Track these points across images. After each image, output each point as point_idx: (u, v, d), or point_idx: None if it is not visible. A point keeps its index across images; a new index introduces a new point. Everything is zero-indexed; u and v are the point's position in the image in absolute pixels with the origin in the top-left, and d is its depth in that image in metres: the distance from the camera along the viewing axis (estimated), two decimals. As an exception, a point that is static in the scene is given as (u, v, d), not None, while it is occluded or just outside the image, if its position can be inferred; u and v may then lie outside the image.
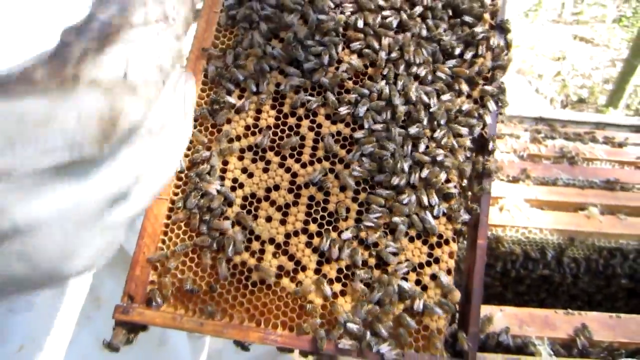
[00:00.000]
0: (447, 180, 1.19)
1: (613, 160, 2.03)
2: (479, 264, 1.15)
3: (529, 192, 1.80)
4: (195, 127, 1.24)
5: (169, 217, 1.19)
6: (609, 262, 1.70)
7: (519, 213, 1.69)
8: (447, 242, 1.18)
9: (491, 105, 1.24)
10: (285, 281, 1.14)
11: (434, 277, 1.15)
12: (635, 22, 7.35)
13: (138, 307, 1.13)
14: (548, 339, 1.34)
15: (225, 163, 1.21)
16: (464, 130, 1.22)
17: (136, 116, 0.59)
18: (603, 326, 1.40)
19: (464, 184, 1.23)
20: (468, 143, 1.23)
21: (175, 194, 1.20)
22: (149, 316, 1.12)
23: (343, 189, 1.19)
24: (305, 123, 1.23)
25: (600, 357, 1.34)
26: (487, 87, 1.26)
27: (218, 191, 1.18)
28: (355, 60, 1.26)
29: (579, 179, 1.90)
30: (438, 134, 1.20)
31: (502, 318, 1.38)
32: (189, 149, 1.22)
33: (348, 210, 1.17)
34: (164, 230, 1.19)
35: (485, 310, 1.39)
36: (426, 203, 1.16)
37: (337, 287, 1.14)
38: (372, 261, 1.15)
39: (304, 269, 1.15)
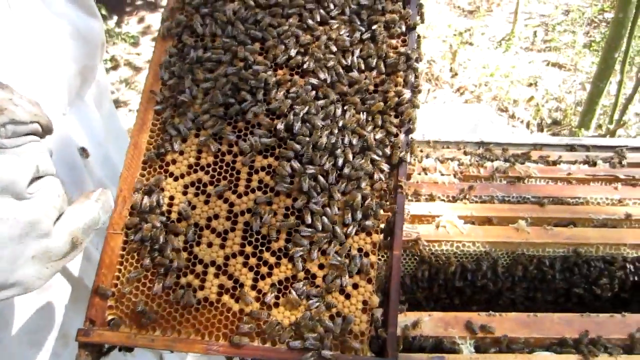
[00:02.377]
0: (364, 199, 1.36)
1: (546, 177, 2.20)
2: (395, 271, 1.31)
3: (465, 209, 1.96)
4: (145, 169, 1.42)
5: (123, 249, 1.36)
6: (540, 269, 1.85)
7: (454, 229, 1.86)
8: (367, 254, 1.34)
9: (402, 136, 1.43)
10: (225, 298, 1.30)
11: (355, 286, 1.31)
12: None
13: (98, 330, 1.28)
14: (470, 338, 1.49)
15: (172, 198, 1.39)
16: (378, 157, 1.40)
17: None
18: (520, 324, 1.54)
19: (380, 202, 1.39)
20: (384, 167, 1.41)
21: (129, 228, 1.37)
22: (107, 336, 1.28)
23: (275, 214, 1.36)
24: (241, 159, 1.41)
25: (518, 352, 1.48)
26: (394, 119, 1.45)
27: (162, 224, 1.35)
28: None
29: (513, 195, 2.08)
30: (356, 160, 1.38)
31: (428, 322, 1.53)
32: (141, 188, 1.40)
33: (279, 232, 1.34)
34: (120, 260, 1.35)
35: (414, 315, 1.54)
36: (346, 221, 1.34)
37: (272, 300, 1.30)
38: (301, 275, 1.31)
39: (242, 285, 1.31)
